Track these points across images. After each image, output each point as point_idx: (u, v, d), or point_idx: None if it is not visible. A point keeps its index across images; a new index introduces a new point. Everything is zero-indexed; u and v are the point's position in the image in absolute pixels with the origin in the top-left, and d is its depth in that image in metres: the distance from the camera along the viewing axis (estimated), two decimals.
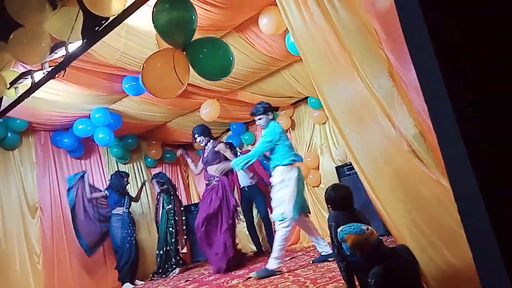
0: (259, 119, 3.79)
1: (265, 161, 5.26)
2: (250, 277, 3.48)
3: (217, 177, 4.42)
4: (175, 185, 5.99)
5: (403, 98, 1.46)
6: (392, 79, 1.47)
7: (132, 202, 5.36)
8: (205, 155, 4.58)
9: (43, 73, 2.95)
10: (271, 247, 5.09)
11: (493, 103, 0.88)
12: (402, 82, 1.39)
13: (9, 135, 4.74)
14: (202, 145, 4.62)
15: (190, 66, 2.41)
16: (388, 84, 1.49)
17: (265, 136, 3.64)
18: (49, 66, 2.97)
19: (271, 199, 3.76)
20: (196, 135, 4.56)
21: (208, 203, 4.36)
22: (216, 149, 4.51)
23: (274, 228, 4.51)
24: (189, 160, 4.91)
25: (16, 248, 4.57)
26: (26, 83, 3.16)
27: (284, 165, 3.59)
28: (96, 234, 4.95)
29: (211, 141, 4.61)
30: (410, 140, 1.53)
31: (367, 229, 1.79)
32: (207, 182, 4.59)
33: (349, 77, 1.68)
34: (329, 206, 2.28)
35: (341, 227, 1.84)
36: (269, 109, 3.82)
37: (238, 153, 5.08)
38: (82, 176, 5.03)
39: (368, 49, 1.58)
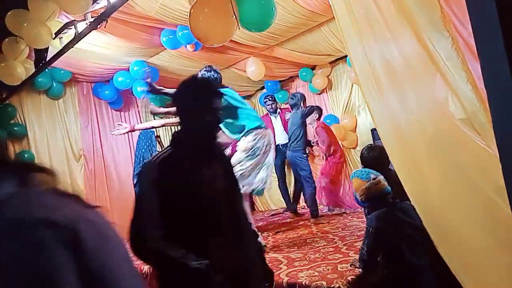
0: None
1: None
2: (279, 231, 3.60)
3: None
4: None
5: (460, 55, 1.37)
6: (450, 35, 1.37)
7: None
8: None
9: (86, 23, 3.01)
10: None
11: None
12: (460, 37, 1.30)
13: (54, 85, 4.96)
14: None
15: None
16: (446, 41, 1.39)
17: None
18: (91, 17, 3.01)
19: None
20: None
21: None
22: None
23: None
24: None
25: None
26: (70, 34, 3.25)
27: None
28: None
29: None
30: (465, 105, 1.45)
31: (374, 178, 1.79)
32: None
33: (398, 33, 1.58)
34: (363, 166, 2.27)
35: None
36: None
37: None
38: None
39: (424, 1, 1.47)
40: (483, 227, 1.56)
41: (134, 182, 5.30)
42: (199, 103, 1.48)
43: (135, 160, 5.41)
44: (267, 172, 3.08)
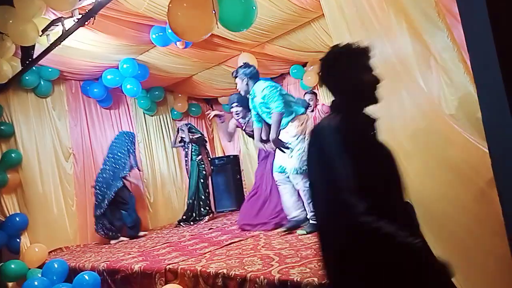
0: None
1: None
2: (286, 231, 3.43)
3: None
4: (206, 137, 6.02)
5: (456, 46, 1.37)
6: (445, 26, 1.37)
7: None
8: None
9: (73, 20, 2.96)
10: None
11: None
12: (454, 30, 1.30)
13: (42, 83, 4.88)
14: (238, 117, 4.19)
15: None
16: (441, 33, 1.39)
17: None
18: (79, 14, 2.96)
19: None
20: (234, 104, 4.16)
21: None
22: None
23: None
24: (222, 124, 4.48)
25: (52, 190, 4.86)
26: (57, 31, 3.19)
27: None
28: None
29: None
30: (461, 97, 1.45)
31: None
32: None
33: (391, 28, 1.58)
34: None
35: None
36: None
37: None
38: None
39: None
40: (478, 221, 1.57)
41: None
42: (353, 65, 1.34)
43: (106, 161, 5.00)
44: None
